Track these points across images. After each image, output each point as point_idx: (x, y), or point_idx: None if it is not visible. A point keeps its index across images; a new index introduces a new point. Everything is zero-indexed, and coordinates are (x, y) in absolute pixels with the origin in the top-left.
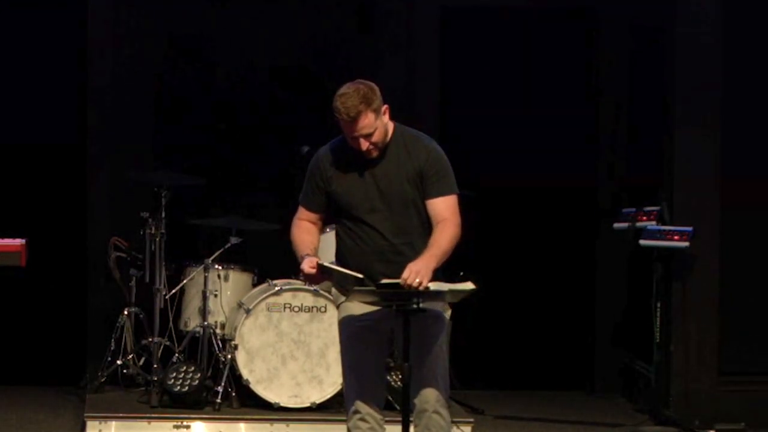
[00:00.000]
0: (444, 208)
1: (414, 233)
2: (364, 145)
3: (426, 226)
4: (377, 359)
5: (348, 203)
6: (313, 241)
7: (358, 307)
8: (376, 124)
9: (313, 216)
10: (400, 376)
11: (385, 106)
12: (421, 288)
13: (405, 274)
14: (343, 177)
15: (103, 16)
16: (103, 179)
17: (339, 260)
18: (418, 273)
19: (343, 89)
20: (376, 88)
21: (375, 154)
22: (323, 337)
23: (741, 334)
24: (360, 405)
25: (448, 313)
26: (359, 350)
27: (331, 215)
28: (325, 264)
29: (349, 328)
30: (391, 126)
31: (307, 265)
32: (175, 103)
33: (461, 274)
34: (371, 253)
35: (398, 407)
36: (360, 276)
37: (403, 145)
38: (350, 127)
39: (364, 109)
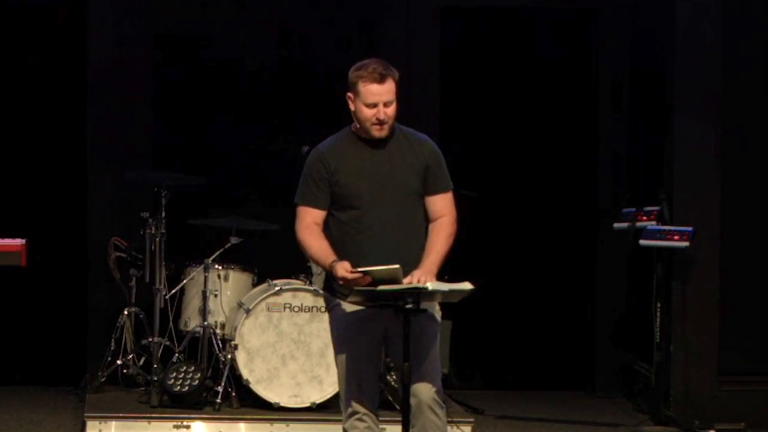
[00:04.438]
0: (445, 205)
1: (414, 225)
2: (382, 113)
3: (423, 219)
4: (372, 359)
5: (351, 193)
6: (328, 245)
7: (350, 308)
8: (394, 98)
9: (318, 215)
10: (399, 376)
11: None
12: (430, 288)
13: (409, 281)
14: (348, 167)
15: (103, 16)
16: (103, 179)
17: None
18: (421, 281)
19: (364, 61)
20: None
21: (386, 132)
22: (323, 337)
23: (741, 334)
24: (357, 405)
25: (439, 314)
26: (354, 351)
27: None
28: (362, 269)
29: (342, 329)
30: None
31: (344, 270)
32: (175, 102)
33: (446, 277)
34: (369, 245)
35: (398, 407)
36: (396, 266)
37: (404, 138)
38: (376, 88)
39: (389, 73)
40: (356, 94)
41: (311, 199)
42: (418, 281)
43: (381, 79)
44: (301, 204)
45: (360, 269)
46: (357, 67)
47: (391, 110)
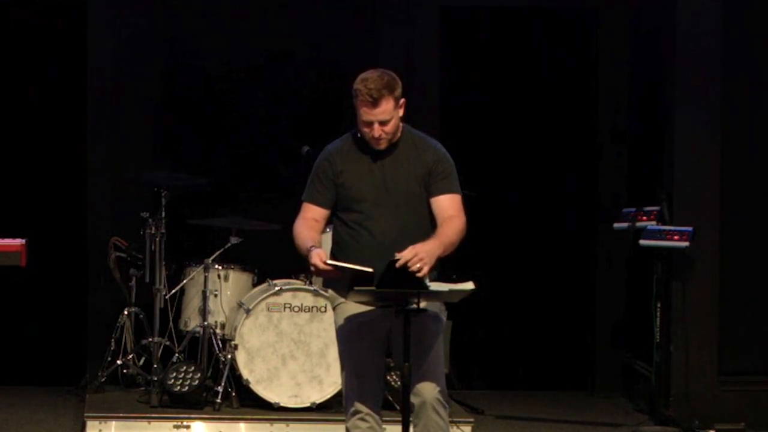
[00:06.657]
0: (449, 205)
1: (416, 231)
2: (377, 131)
3: (429, 226)
4: (375, 359)
5: (354, 197)
6: (317, 237)
7: (354, 308)
8: (393, 114)
9: (318, 213)
10: (399, 376)
11: (403, 99)
12: (419, 274)
13: (407, 253)
14: (353, 170)
15: (103, 17)
16: (103, 179)
17: (336, 258)
18: (420, 259)
19: (367, 73)
20: (399, 80)
21: (384, 145)
22: (323, 337)
23: (741, 334)
24: (359, 405)
25: (444, 314)
26: (358, 350)
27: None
28: (333, 262)
29: (346, 328)
30: (401, 124)
31: (317, 258)
32: (175, 102)
33: (453, 277)
34: (371, 250)
35: (398, 407)
36: (369, 270)
37: (412, 144)
38: (369, 110)
39: (386, 93)
40: (356, 107)
41: (315, 197)
42: (416, 263)
43: (374, 103)
44: (305, 201)
45: (332, 262)
46: (358, 81)
47: (389, 127)
